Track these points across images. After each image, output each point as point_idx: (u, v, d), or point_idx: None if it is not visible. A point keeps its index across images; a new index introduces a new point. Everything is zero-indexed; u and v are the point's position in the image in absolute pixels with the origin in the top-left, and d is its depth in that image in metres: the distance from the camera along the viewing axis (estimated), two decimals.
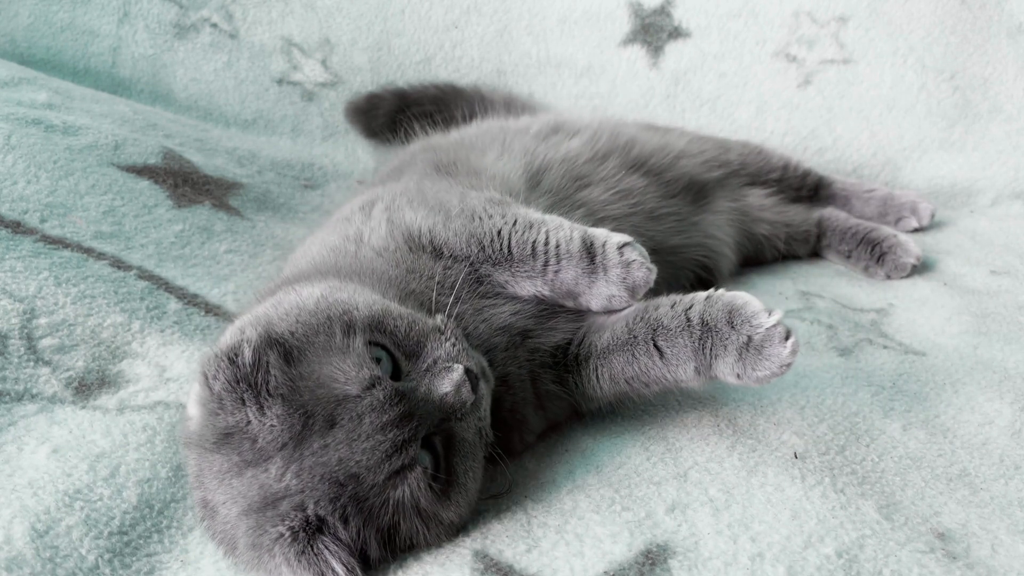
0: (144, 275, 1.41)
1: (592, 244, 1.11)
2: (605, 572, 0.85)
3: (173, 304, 1.38)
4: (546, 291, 1.15)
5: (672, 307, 1.07)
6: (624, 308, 1.12)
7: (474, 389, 0.91)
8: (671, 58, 2.52)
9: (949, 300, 1.63)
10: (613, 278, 1.09)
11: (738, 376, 1.01)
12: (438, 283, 1.10)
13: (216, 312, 1.40)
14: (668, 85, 2.53)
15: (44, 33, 2.48)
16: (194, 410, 0.88)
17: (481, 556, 0.88)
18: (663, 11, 2.52)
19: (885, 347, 1.41)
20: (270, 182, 2.08)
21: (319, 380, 0.86)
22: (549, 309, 1.18)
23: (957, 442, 1.10)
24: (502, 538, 0.91)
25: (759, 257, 1.90)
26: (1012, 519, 0.94)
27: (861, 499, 0.96)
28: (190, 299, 1.41)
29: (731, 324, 1.00)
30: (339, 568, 0.82)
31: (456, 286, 1.09)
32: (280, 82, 2.56)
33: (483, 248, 1.15)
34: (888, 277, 1.80)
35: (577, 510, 0.95)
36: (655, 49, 2.53)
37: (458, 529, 0.93)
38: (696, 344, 1.03)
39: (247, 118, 2.52)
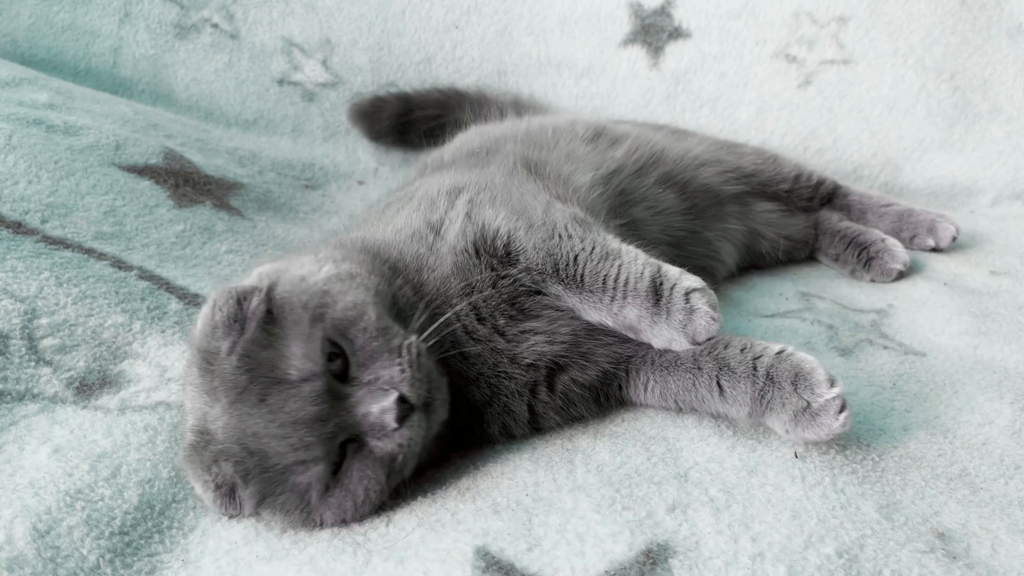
0: (145, 275, 1.41)
1: (661, 285, 1.10)
2: (606, 571, 0.85)
3: (174, 304, 1.38)
4: (610, 322, 1.15)
5: (742, 352, 1.10)
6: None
7: (401, 420, 0.94)
8: (671, 58, 2.52)
9: (949, 300, 1.63)
10: (675, 323, 1.08)
11: (786, 432, 1.05)
12: (484, 297, 1.14)
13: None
14: (668, 85, 2.53)
15: (45, 33, 2.48)
16: (199, 324, 1.01)
17: (483, 554, 0.89)
18: (663, 11, 2.52)
19: (885, 347, 1.41)
20: (271, 182, 2.08)
21: (272, 354, 0.95)
22: (590, 336, 1.18)
23: (957, 442, 1.10)
24: (503, 536, 0.91)
25: (757, 263, 1.90)
26: (1012, 519, 0.94)
27: (861, 499, 0.96)
28: (191, 299, 1.41)
29: (795, 386, 1.04)
30: (248, 510, 0.98)
31: (494, 303, 1.15)
32: (281, 82, 2.56)
33: (557, 271, 1.16)
34: (873, 281, 1.79)
35: (578, 509, 0.95)
36: (655, 49, 2.53)
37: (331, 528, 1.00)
38: (757, 394, 1.07)
39: (248, 118, 2.52)
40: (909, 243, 1.91)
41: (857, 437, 1.10)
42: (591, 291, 1.14)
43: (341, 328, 0.97)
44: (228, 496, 0.97)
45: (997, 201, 2.32)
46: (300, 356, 0.95)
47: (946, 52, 2.37)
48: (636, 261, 1.14)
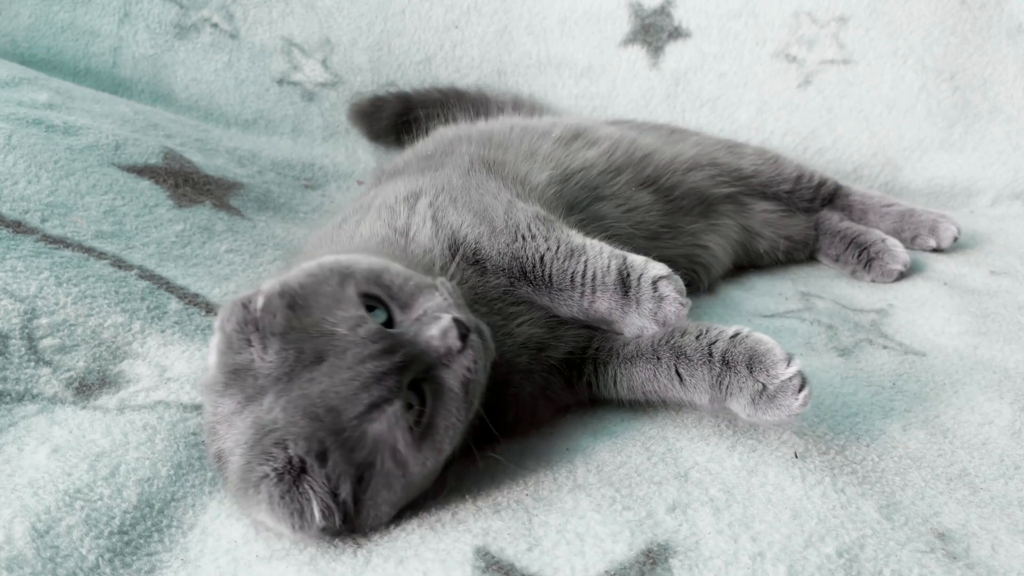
0: (145, 275, 1.41)
1: (628, 276, 1.13)
2: (606, 571, 0.85)
3: (174, 304, 1.38)
4: (582, 317, 1.18)
5: (697, 338, 1.10)
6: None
7: (462, 338, 0.92)
8: (671, 58, 2.52)
9: (949, 300, 1.63)
10: (645, 312, 1.12)
11: (748, 416, 1.05)
12: (475, 292, 1.13)
13: (217, 312, 1.40)
14: (668, 85, 2.53)
15: (45, 33, 2.48)
16: (211, 358, 0.94)
17: (482, 554, 0.89)
18: (663, 11, 2.52)
19: (885, 347, 1.41)
20: (271, 182, 2.08)
21: (314, 322, 0.91)
22: (560, 323, 1.20)
23: (957, 442, 1.10)
24: (503, 536, 0.91)
25: (756, 264, 1.89)
26: (1012, 519, 0.94)
27: (861, 499, 0.96)
28: (191, 299, 1.41)
29: (750, 369, 1.04)
30: (317, 511, 0.86)
31: (491, 300, 1.14)
32: (280, 82, 2.56)
33: (524, 273, 1.18)
34: (874, 282, 1.78)
35: (578, 509, 0.95)
36: (655, 49, 2.53)
37: (418, 490, 0.95)
38: (714, 380, 1.07)
39: (248, 118, 2.52)
40: (911, 243, 1.91)
41: (857, 437, 1.10)
42: (560, 289, 1.16)
43: (374, 279, 0.96)
44: (294, 484, 0.85)
45: (997, 201, 2.32)
46: (342, 311, 0.92)
47: (946, 52, 2.37)
48: (601, 255, 1.16)
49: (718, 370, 1.06)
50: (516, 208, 1.24)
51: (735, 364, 1.05)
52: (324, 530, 0.88)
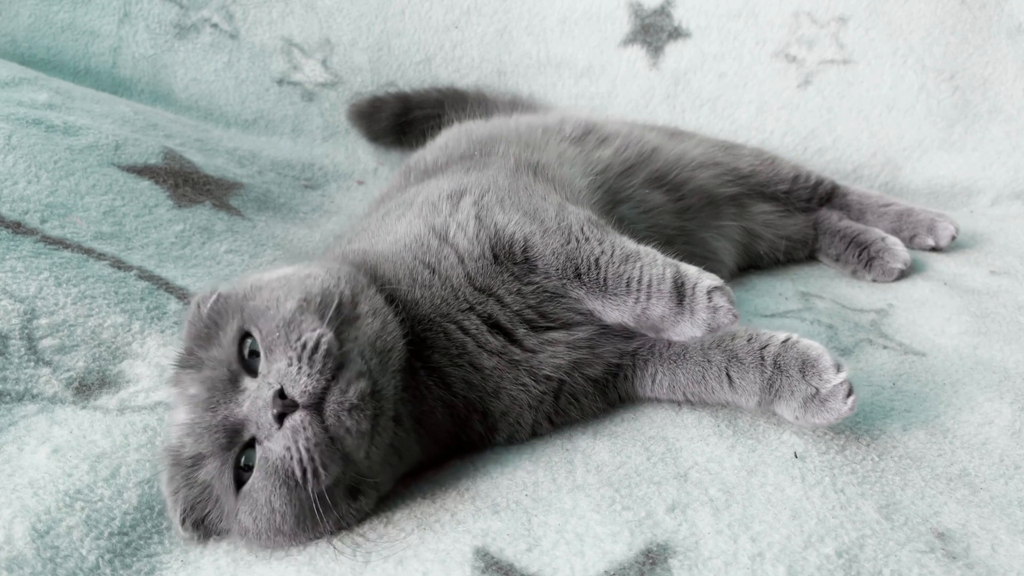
0: (144, 275, 1.41)
1: (683, 285, 1.12)
2: (606, 571, 0.85)
3: (173, 304, 1.38)
4: (632, 323, 1.16)
5: (749, 342, 1.11)
6: None
7: (279, 417, 0.87)
8: (671, 58, 2.52)
9: (949, 300, 1.63)
10: (699, 321, 1.11)
11: (796, 418, 1.06)
12: (499, 303, 1.14)
13: None
14: (668, 85, 2.53)
15: (45, 33, 2.48)
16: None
17: (482, 554, 0.89)
18: (663, 11, 2.52)
19: (885, 347, 1.41)
20: (270, 182, 2.08)
21: (199, 347, 1.00)
22: (602, 335, 1.19)
23: (957, 442, 1.10)
24: (503, 536, 0.91)
25: (756, 264, 1.89)
26: (1012, 519, 0.94)
27: (861, 499, 0.96)
28: (190, 299, 1.41)
29: (802, 374, 1.05)
30: (179, 518, 0.95)
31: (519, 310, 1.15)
32: (280, 82, 2.56)
33: (579, 275, 1.16)
34: (875, 281, 1.78)
35: (577, 509, 0.95)
36: (655, 49, 2.53)
37: (290, 538, 0.93)
38: (765, 383, 1.08)
39: (248, 118, 2.52)
40: (909, 243, 1.90)
41: (857, 437, 1.10)
42: (615, 294, 1.15)
43: (253, 317, 0.95)
44: (179, 485, 0.96)
45: (997, 201, 2.32)
46: (219, 344, 0.96)
47: (946, 52, 2.37)
48: (656, 262, 1.15)
49: (769, 374, 1.07)
50: (567, 211, 1.23)
51: (787, 368, 1.06)
52: (190, 539, 0.96)
